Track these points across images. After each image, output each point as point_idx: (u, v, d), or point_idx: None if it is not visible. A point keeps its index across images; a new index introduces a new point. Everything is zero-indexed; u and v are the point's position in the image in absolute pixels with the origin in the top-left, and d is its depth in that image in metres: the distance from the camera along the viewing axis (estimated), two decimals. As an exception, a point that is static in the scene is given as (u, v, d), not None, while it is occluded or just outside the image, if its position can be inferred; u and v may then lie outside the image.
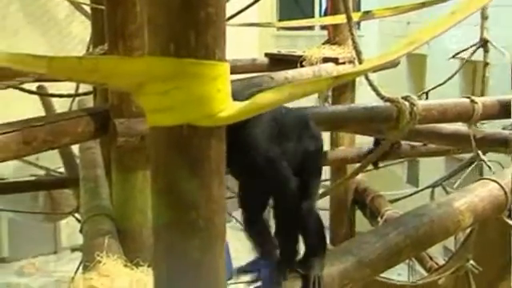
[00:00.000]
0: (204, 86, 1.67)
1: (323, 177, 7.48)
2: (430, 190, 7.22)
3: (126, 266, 2.73)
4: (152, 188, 1.76)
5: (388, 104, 4.10)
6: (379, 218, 6.23)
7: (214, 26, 1.68)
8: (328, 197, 6.76)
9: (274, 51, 7.01)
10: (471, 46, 6.53)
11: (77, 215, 6.95)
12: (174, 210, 1.73)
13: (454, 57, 7.17)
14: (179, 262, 1.76)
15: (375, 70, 2.89)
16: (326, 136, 7.13)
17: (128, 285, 2.55)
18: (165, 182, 1.74)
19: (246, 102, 1.77)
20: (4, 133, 2.91)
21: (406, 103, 4.02)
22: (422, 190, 7.63)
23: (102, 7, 5.15)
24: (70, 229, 10.75)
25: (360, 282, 2.87)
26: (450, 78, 6.81)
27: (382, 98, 4.14)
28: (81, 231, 3.40)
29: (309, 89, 2.05)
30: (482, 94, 6.24)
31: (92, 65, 1.84)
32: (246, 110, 1.75)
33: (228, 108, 1.71)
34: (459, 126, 4.95)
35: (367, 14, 6.23)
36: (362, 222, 6.97)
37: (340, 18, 5.93)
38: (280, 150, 2.49)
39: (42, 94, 6.05)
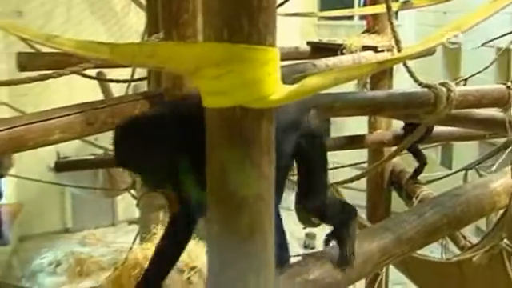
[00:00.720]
0: (256, 70, 1.65)
1: (361, 159, 7.46)
2: (463, 172, 7.11)
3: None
4: (207, 165, 1.76)
5: (425, 90, 4.03)
6: (414, 199, 6.17)
7: (265, 12, 1.66)
8: (365, 178, 6.68)
9: (316, 40, 6.92)
10: (505, 34, 6.37)
11: (132, 191, 7.00)
12: (226, 187, 1.72)
13: (484, 44, 7.01)
14: (230, 236, 1.75)
15: (414, 57, 2.83)
16: (364, 120, 7.11)
17: (183, 254, 2.55)
18: (218, 160, 1.73)
19: (295, 86, 1.74)
20: (69, 114, 2.95)
21: (444, 89, 3.93)
22: (455, 172, 7.50)
23: (157, -1, 5.19)
24: (125, 203, 10.91)
25: (398, 258, 2.82)
26: (488, 66, 6.65)
27: (420, 84, 4.06)
28: (137, 205, 3.43)
29: (353, 73, 2.03)
30: (517, 81, 6.10)
31: (150, 50, 1.85)
32: (295, 93, 1.73)
33: (278, 91, 1.69)
34: (494, 112, 4.84)
35: (406, 4, 6.14)
36: (397, 202, 6.89)
37: (379, 8, 5.86)
38: None
39: (102, 80, 6.10)
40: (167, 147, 2.02)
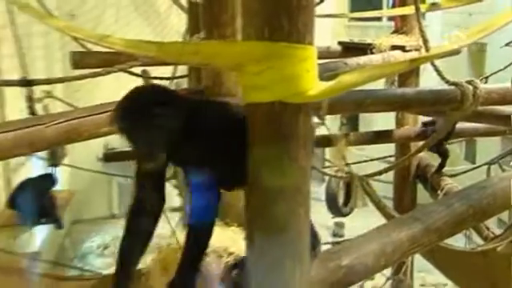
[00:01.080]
0: (294, 67, 1.62)
1: (388, 152, 7.41)
2: (486, 167, 7.01)
3: (218, 225, 2.73)
4: (249, 158, 1.74)
5: (452, 87, 3.96)
6: (439, 191, 6.11)
7: (304, 12, 1.63)
8: (392, 171, 6.64)
9: (347, 40, 6.85)
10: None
11: (173, 181, 7.02)
12: (265, 178, 1.70)
13: (507, 44, 6.86)
14: (267, 224, 1.74)
15: (442, 56, 2.76)
16: (391, 116, 7.04)
17: (221, 239, 2.54)
18: (258, 153, 1.71)
19: (332, 82, 1.71)
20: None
21: (470, 87, 3.86)
22: (479, 166, 7.41)
23: (197, 0, 5.18)
24: (166, 192, 10.95)
25: (426, 247, 2.77)
26: (509, 65, 6.52)
27: (447, 81, 4.00)
28: (179, 195, 3.42)
29: (387, 71, 2.00)
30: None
31: (194, 48, 1.84)
32: (331, 89, 1.70)
33: (315, 87, 1.67)
34: (517, 109, 4.75)
35: (433, 5, 6.05)
36: (422, 194, 6.82)
37: (408, 9, 5.79)
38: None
39: (146, 77, 6.09)
40: (165, 125, 1.90)
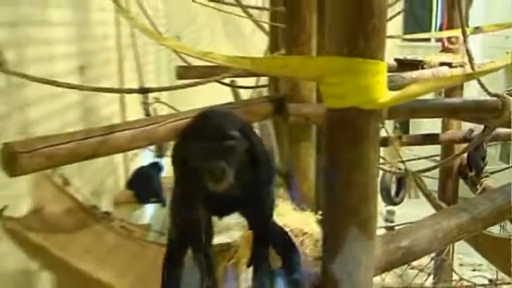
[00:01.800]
0: (368, 79, 1.59)
1: (435, 152, 7.24)
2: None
3: (294, 209, 2.71)
4: (325, 152, 1.71)
5: (494, 98, 3.82)
6: (478, 187, 6.00)
7: (377, 34, 1.60)
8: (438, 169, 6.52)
9: (401, 57, 6.73)
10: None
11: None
12: (339, 171, 1.67)
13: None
14: (342, 211, 1.70)
15: (491, 71, 2.65)
16: (437, 121, 6.87)
17: (296, 222, 2.52)
18: (334, 149, 1.68)
19: (399, 92, 1.67)
20: (214, 111, 2.98)
21: (510, 98, 3.71)
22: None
23: (277, 24, 5.18)
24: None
25: (472, 234, 2.67)
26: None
27: (489, 93, 3.86)
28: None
29: (446, 83, 1.94)
30: None
31: (282, 62, 1.83)
32: (399, 98, 1.66)
33: (384, 95, 1.63)
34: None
35: (476, 29, 5.84)
36: (463, 189, 6.66)
37: (455, 32, 5.65)
38: None
39: (234, 86, 6.16)
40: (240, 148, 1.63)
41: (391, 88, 1.69)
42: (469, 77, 2.24)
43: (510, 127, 5.21)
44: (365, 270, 1.74)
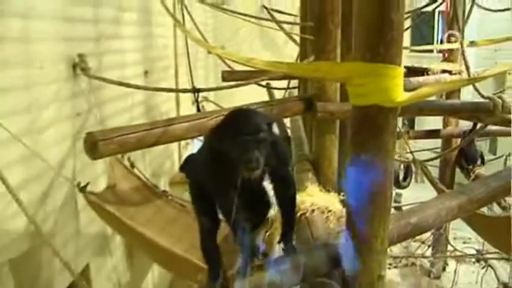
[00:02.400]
0: (388, 81, 1.55)
1: (436, 145, 7.12)
2: (504, 157, 6.69)
3: (321, 190, 2.68)
4: (351, 143, 1.67)
5: (487, 100, 3.72)
6: (472, 174, 5.95)
7: (395, 43, 1.55)
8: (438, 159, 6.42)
9: (409, 65, 6.62)
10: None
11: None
12: (362, 157, 1.63)
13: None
14: (363, 192, 1.65)
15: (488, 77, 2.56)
16: (439, 119, 6.72)
17: (323, 201, 2.50)
18: (357, 140, 1.64)
19: (412, 93, 1.63)
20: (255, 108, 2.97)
21: (500, 100, 3.61)
22: (499, 157, 7.11)
23: (307, 36, 5.12)
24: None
25: (469, 213, 2.60)
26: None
27: (483, 96, 3.80)
28: (292, 169, 3.38)
29: (452, 85, 1.89)
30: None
31: (314, 66, 1.81)
32: (413, 97, 1.62)
33: (401, 95, 1.58)
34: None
35: (472, 43, 5.72)
36: (458, 176, 6.56)
37: (454, 45, 5.61)
38: None
39: (269, 88, 6.16)
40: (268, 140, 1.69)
41: (411, 89, 1.65)
42: (471, 81, 2.17)
43: (497, 125, 5.12)
44: (381, 242, 1.71)
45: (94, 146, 2.38)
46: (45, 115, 2.88)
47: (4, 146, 2.45)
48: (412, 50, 7.64)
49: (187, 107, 6.49)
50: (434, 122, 7.55)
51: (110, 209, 2.87)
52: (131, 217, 3.14)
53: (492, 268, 5.46)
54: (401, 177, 6.43)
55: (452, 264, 6.45)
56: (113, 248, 3.98)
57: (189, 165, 2.01)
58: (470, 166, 6.07)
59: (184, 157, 5.98)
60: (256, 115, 1.70)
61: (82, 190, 2.89)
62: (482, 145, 10.15)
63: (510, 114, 3.87)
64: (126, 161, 3.72)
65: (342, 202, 2.56)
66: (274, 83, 6.35)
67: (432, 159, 5.42)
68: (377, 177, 1.61)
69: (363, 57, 1.55)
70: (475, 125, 5.50)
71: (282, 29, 6.74)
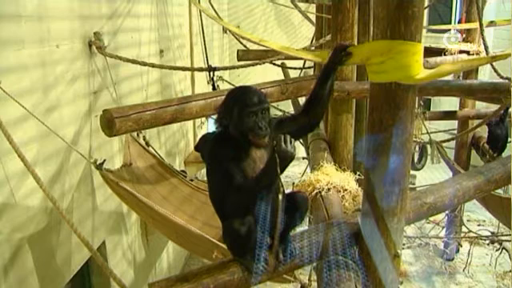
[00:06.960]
0: (408, 58, 1.52)
1: (453, 126, 7.00)
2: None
3: (336, 169, 2.67)
4: (369, 119, 1.65)
5: (506, 80, 3.63)
6: (487, 155, 5.90)
7: (416, 19, 1.52)
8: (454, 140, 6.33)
9: (427, 45, 6.48)
10: None
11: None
12: (380, 135, 1.61)
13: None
14: (381, 168, 1.64)
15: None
16: (455, 100, 6.58)
17: (338, 180, 2.48)
18: (376, 118, 1.62)
19: (433, 70, 1.59)
20: (270, 86, 2.95)
21: None
22: None
23: (323, 15, 5.03)
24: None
25: (486, 194, 2.57)
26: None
27: (502, 77, 3.71)
28: (307, 148, 3.37)
29: (474, 63, 1.81)
30: None
31: (327, 54, 1.74)
32: (433, 74, 1.59)
33: (421, 72, 1.56)
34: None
35: (491, 23, 5.58)
36: (474, 157, 6.46)
37: (472, 25, 5.46)
38: None
39: (284, 67, 6.08)
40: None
41: (430, 67, 1.61)
42: (493, 59, 2.10)
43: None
44: (398, 220, 1.70)
45: (110, 122, 2.39)
46: (61, 93, 2.90)
47: (21, 123, 2.47)
48: (429, 30, 7.48)
49: (202, 87, 6.47)
50: (448, 104, 7.42)
51: (126, 186, 2.89)
52: (147, 194, 3.16)
53: (506, 250, 5.40)
54: (415, 158, 6.36)
55: (466, 246, 6.41)
56: (128, 226, 4.04)
57: (204, 144, 1.97)
58: (495, 154, 5.96)
59: (199, 136, 6.00)
60: (254, 89, 1.73)
61: (99, 167, 2.91)
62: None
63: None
64: (142, 139, 3.74)
65: (358, 181, 2.55)
66: (289, 63, 6.28)
67: (448, 140, 5.34)
68: (395, 154, 1.58)
69: (383, 34, 1.52)
70: (507, 108, 5.39)
71: (296, 7, 6.62)
